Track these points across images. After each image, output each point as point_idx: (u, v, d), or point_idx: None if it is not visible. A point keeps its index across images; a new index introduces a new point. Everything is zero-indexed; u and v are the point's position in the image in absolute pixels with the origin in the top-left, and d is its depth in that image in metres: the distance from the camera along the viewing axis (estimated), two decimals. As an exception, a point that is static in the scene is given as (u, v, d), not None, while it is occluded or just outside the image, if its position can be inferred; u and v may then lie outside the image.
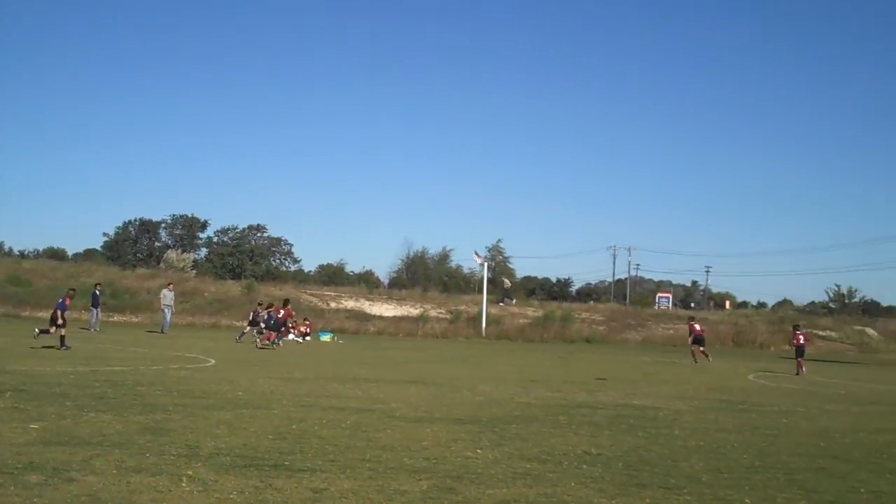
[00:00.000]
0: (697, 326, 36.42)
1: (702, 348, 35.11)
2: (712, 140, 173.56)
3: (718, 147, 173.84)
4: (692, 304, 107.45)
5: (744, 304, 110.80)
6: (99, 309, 41.27)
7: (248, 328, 36.00)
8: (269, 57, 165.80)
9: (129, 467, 7.31)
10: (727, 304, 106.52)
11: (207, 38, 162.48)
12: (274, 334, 32.92)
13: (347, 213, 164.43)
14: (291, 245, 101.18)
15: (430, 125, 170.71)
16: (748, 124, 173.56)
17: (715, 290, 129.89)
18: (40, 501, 6.00)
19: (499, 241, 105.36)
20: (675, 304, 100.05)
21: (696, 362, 33.53)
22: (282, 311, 34.11)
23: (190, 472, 7.23)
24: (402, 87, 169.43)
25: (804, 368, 30.47)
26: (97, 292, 41.77)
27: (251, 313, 37.43)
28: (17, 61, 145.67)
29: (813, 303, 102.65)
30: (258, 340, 32.02)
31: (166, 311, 41.30)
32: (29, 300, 52.80)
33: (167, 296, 41.88)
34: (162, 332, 39.80)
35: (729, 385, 22.27)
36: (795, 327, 36.52)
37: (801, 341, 33.42)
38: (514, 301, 67.05)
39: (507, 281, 74.95)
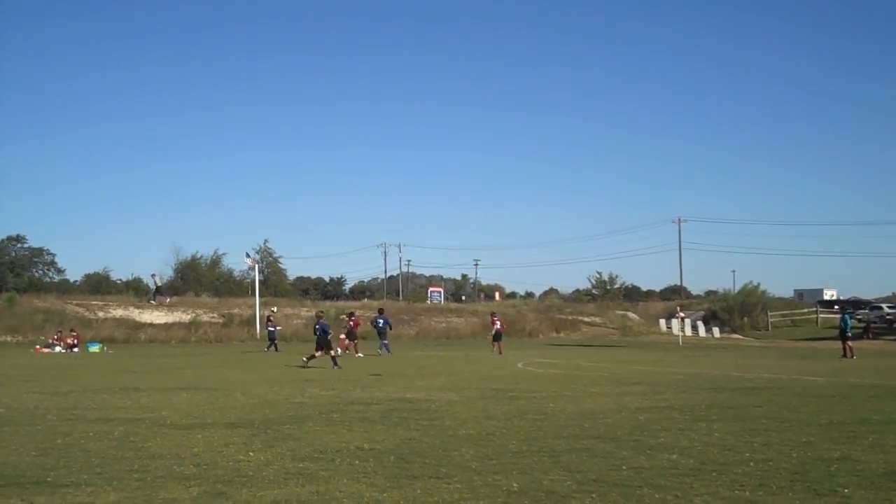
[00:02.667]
0: (498, 323, 37.48)
1: (497, 343, 36.11)
2: (475, 135, 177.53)
3: (479, 140, 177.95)
4: (463, 297, 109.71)
5: (512, 295, 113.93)
6: None
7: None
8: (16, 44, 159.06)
9: None
10: (497, 295, 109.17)
11: None
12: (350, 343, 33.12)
13: (111, 219, 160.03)
14: (54, 255, 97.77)
15: (192, 122, 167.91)
16: (504, 121, 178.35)
17: (485, 282, 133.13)
18: None
19: (266, 241, 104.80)
20: (447, 298, 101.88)
21: (500, 353, 34.48)
22: (351, 321, 34.34)
23: (-56, 497, 6.96)
24: (166, 82, 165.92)
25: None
26: None
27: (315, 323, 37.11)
28: None
29: (578, 290, 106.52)
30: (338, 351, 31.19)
31: None
32: None
33: None
34: None
35: (500, 374, 22.88)
36: (493, 314, 39.03)
37: (499, 326, 35.86)
38: (168, 300, 66.32)
39: (157, 278, 73.99)
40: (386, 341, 35.21)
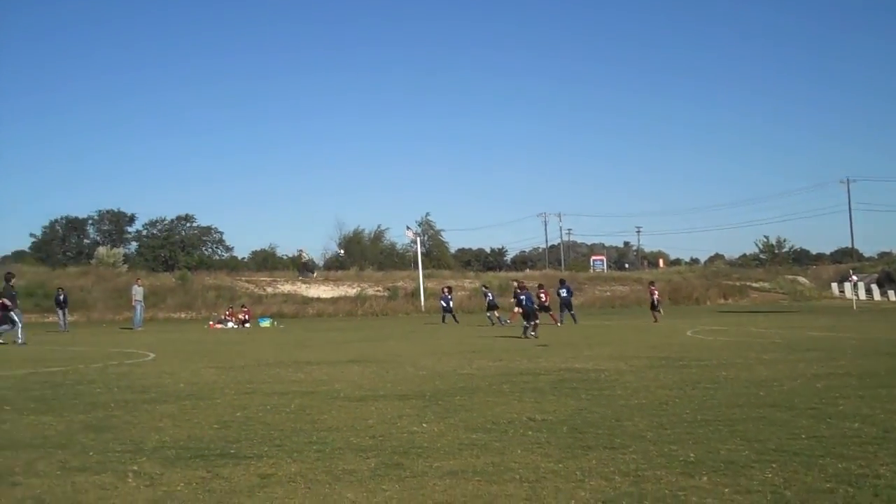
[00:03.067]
0: (655, 293, 37.18)
1: (655, 312, 35.87)
2: (633, 99, 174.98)
3: (638, 105, 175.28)
4: (626, 265, 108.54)
5: (677, 262, 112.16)
6: (66, 309, 41.62)
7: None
8: (187, 39, 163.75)
9: (74, 467, 7.24)
10: (661, 262, 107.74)
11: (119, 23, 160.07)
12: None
13: (275, 196, 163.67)
14: (222, 233, 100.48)
15: (352, 103, 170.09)
16: (665, 80, 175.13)
17: (648, 249, 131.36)
18: (-14, 508, 5.94)
19: (427, 214, 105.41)
20: (609, 266, 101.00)
21: (656, 322, 34.23)
22: (542, 295, 34.58)
23: (135, 468, 7.18)
24: (322, 66, 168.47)
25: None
26: (60, 295, 42.11)
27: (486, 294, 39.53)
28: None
29: (745, 255, 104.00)
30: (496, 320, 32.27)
31: (137, 306, 41.40)
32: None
33: (137, 291, 41.95)
34: (136, 327, 39.87)
35: (668, 342, 22.54)
36: (651, 283, 38.18)
37: (657, 296, 35.03)
38: (314, 275, 66.83)
39: (304, 255, 74.82)
40: (573, 311, 35.36)
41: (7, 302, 27.67)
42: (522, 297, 27.44)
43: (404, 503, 5.99)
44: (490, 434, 8.65)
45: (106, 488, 6.49)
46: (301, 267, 70.16)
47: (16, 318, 27.77)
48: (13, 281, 29.23)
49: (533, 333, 25.68)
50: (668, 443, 7.96)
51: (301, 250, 77.27)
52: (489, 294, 40.30)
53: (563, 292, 35.16)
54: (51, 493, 6.36)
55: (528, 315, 26.69)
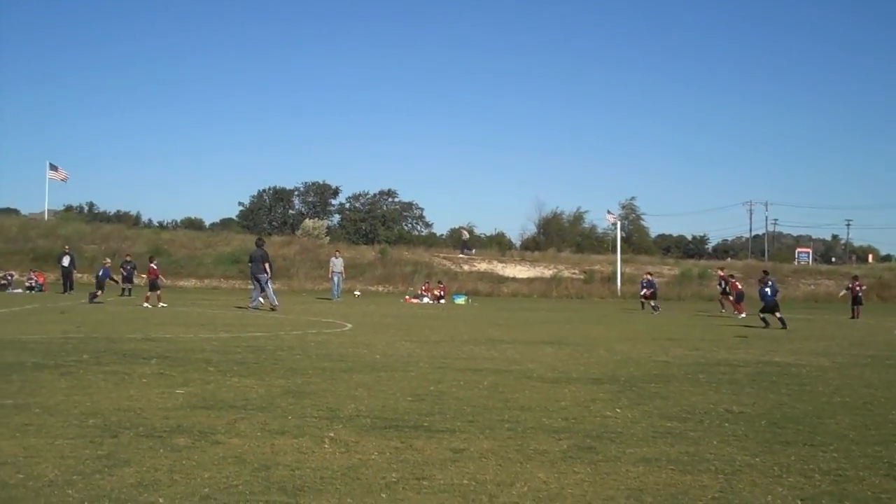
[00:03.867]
0: (859, 288, 35.96)
1: (856, 308, 34.64)
2: (852, 89, 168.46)
3: (859, 95, 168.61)
4: (833, 259, 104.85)
5: (888, 258, 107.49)
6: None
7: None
8: (386, 19, 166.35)
9: (273, 429, 7.44)
10: (870, 257, 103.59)
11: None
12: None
13: (476, 175, 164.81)
14: (423, 209, 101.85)
15: (557, 84, 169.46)
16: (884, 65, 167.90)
17: (857, 243, 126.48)
18: (189, 463, 6.14)
19: (632, 198, 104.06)
20: (815, 259, 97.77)
21: (856, 318, 33.14)
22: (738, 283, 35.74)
23: (331, 434, 7.32)
24: (528, 50, 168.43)
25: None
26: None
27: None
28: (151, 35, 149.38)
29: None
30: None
31: (335, 278, 42.43)
32: (169, 269, 54.25)
33: (336, 263, 42.96)
34: (334, 298, 40.99)
35: (874, 340, 21.65)
36: (855, 278, 36.78)
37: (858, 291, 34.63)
38: (472, 251, 66.23)
39: (465, 232, 74.23)
40: (780, 314, 34.63)
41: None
42: (769, 286, 27.72)
43: (596, 487, 5.91)
44: (685, 423, 8.47)
45: (303, 452, 6.64)
46: (462, 245, 70.79)
47: (262, 284, 29.07)
48: (264, 246, 30.50)
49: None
50: (873, 444, 7.63)
51: (462, 228, 77.91)
52: (647, 281, 39.96)
53: (768, 291, 33.73)
54: (251, 453, 6.55)
55: (770, 308, 26.81)
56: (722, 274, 39.25)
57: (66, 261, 42.43)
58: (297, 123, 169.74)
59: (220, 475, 5.85)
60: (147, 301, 30.38)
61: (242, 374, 11.14)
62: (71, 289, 41.43)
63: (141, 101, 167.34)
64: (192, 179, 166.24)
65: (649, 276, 41.20)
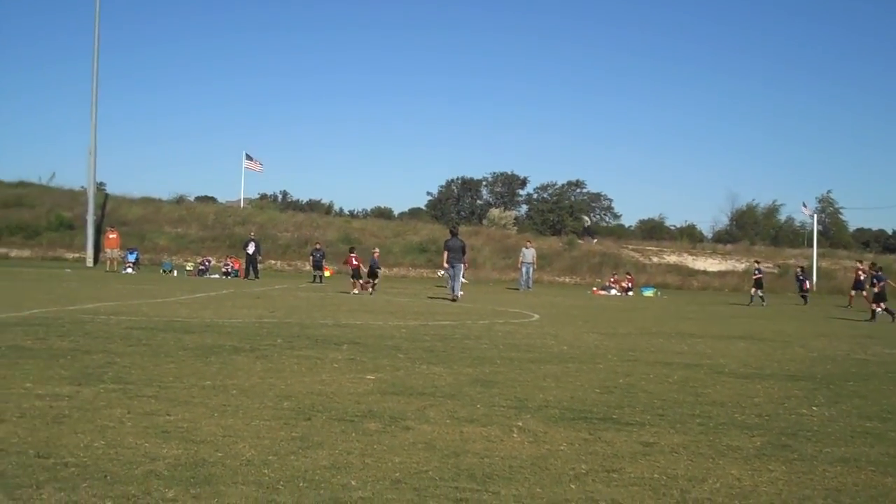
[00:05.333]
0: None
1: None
2: None
3: None
4: None
5: None
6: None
7: None
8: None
9: (462, 417, 7.47)
10: None
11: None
12: None
13: (667, 166, 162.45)
14: (611, 200, 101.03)
15: (759, 76, 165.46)
16: None
17: None
18: (379, 447, 6.21)
19: (828, 192, 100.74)
20: None
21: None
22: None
23: (520, 424, 7.31)
24: (726, 39, 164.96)
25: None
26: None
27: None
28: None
29: None
30: None
31: (523, 268, 42.63)
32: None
33: (526, 253, 43.17)
34: (521, 288, 41.24)
35: None
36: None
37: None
38: (594, 240, 64.53)
39: (586, 219, 72.40)
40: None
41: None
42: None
43: (791, 486, 5.71)
44: (886, 423, 8.11)
45: (492, 440, 6.64)
46: (583, 231, 70.20)
47: (457, 273, 29.36)
48: (458, 236, 30.80)
49: None
50: None
51: (585, 216, 77.44)
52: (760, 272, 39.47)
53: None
54: (441, 439, 6.58)
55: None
56: (861, 267, 37.59)
57: (251, 248, 43.79)
58: (486, 114, 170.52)
59: (411, 460, 5.90)
60: (355, 287, 31.48)
61: (431, 362, 11.24)
62: (256, 276, 42.72)
63: (333, 92, 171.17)
64: (383, 169, 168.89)
65: (757, 265, 40.91)
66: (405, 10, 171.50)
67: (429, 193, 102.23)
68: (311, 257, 44.59)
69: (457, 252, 29.58)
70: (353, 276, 32.56)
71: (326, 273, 44.40)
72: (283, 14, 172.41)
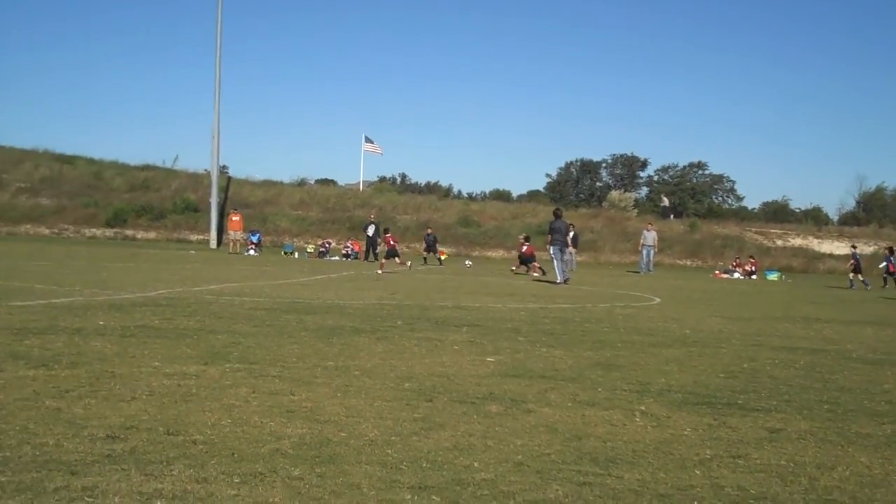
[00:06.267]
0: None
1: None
2: None
3: None
4: None
5: None
6: (573, 249, 43.46)
7: None
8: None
9: (583, 401, 7.42)
10: None
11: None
12: None
13: (792, 148, 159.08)
14: (734, 182, 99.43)
15: (872, 53, 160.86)
16: None
17: None
18: (501, 430, 6.20)
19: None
20: None
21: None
22: None
23: (642, 408, 7.22)
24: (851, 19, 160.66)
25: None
26: (571, 234, 44.06)
27: None
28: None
29: None
30: None
31: (644, 251, 42.39)
32: (478, 240, 55.48)
33: (647, 236, 42.91)
34: (642, 272, 41.01)
35: None
36: None
37: None
38: (671, 218, 63.09)
39: (664, 199, 70.54)
40: None
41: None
42: None
43: (926, 476, 5.54)
44: None
45: (614, 424, 6.58)
46: (662, 210, 69.08)
47: (568, 256, 29.14)
48: (562, 218, 30.59)
49: None
50: None
51: (664, 196, 76.24)
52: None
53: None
54: (562, 422, 6.55)
55: None
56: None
57: (370, 230, 44.29)
58: (606, 95, 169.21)
59: (533, 443, 5.87)
60: (382, 268, 31.49)
61: (551, 345, 11.19)
62: (376, 258, 43.18)
63: (452, 75, 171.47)
64: (502, 152, 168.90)
65: (854, 250, 39.92)
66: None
67: (547, 175, 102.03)
68: (424, 241, 44.97)
69: (561, 234, 29.29)
70: (387, 256, 33.25)
71: (442, 256, 44.71)
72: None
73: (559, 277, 27.98)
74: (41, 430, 5.58)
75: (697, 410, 7.24)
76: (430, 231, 45.83)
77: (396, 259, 32.69)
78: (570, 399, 7.47)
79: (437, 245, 44.24)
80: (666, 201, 75.32)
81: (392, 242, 33.12)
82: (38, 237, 53.87)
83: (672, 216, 68.14)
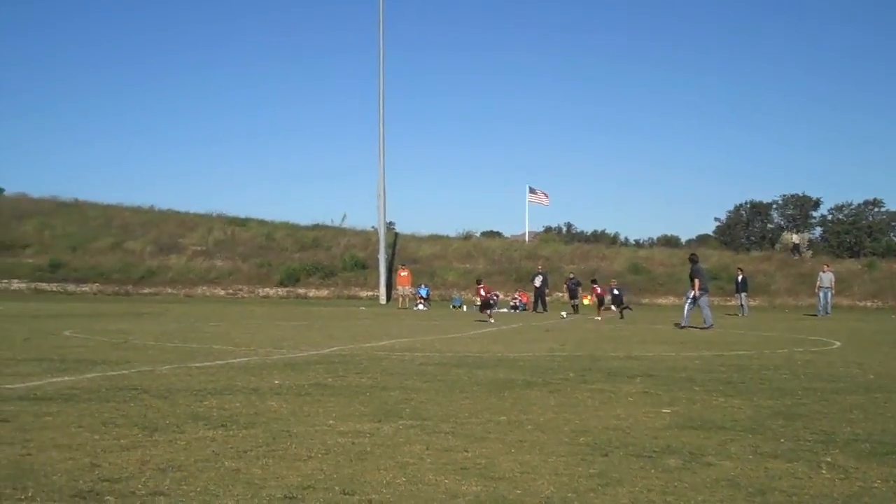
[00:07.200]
0: None
1: None
2: None
3: None
4: None
5: None
6: (745, 293, 42.57)
7: None
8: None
9: (765, 452, 7.16)
10: None
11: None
12: None
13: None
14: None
15: None
16: None
17: None
18: (681, 485, 6.03)
19: None
20: None
21: None
22: None
23: (828, 459, 6.93)
24: None
25: None
26: (740, 277, 43.22)
27: None
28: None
29: None
30: None
31: (821, 293, 41.50)
32: (648, 287, 54.89)
33: (823, 278, 42.03)
34: (819, 314, 40.10)
35: None
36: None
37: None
38: (798, 256, 59.53)
39: (794, 237, 66.86)
40: None
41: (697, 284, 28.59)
42: None
43: None
44: None
45: (799, 477, 6.33)
46: (792, 249, 66.33)
47: (700, 301, 28.57)
48: (699, 262, 30.12)
49: None
50: None
51: (794, 234, 73.23)
52: None
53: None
54: (744, 476, 6.33)
55: None
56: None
57: (538, 281, 44.30)
58: (774, 135, 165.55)
59: (714, 498, 5.69)
60: (491, 317, 31.87)
61: (728, 394, 10.89)
62: (544, 308, 43.04)
63: (613, 124, 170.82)
64: (668, 197, 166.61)
65: None
66: (679, 34, 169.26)
67: (716, 219, 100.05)
68: (565, 287, 44.76)
69: (702, 278, 28.91)
70: (481, 307, 33.06)
71: (585, 301, 44.45)
72: (559, 46, 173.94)
73: (709, 321, 27.49)
74: (221, 491, 5.68)
75: (887, 461, 6.91)
76: (572, 276, 45.58)
77: (488, 311, 32.29)
78: (751, 451, 7.23)
79: (580, 290, 43.81)
80: (796, 239, 72.96)
81: (484, 293, 32.93)
82: (213, 298, 55.57)
83: (798, 255, 65.92)
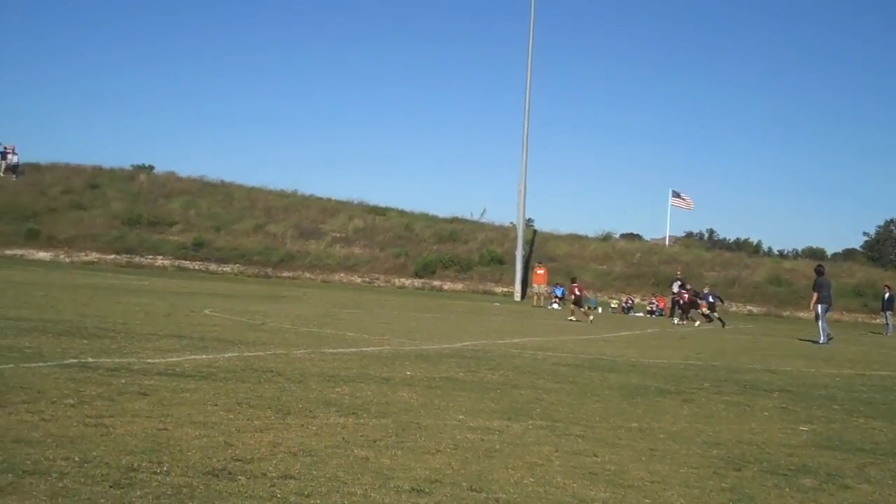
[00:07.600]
0: None
1: None
2: None
3: None
4: None
5: None
6: (890, 312, 41.33)
7: None
8: None
9: (903, 478, 6.93)
10: None
11: None
12: None
13: None
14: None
15: None
16: None
17: None
18: (817, 507, 5.88)
19: None
20: None
21: None
22: None
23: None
24: None
25: None
26: (886, 295, 42.01)
27: None
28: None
29: None
30: None
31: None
32: (789, 300, 53.64)
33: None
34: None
35: None
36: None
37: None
38: None
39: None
40: None
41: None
42: None
43: None
44: None
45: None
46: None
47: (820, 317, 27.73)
48: (825, 275, 29.24)
49: None
50: None
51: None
52: None
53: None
54: (883, 501, 6.14)
55: None
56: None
57: (675, 286, 43.57)
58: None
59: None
60: (573, 315, 32.34)
61: (870, 415, 10.57)
62: (685, 316, 42.37)
63: (760, 131, 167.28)
64: (816, 208, 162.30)
65: None
66: (847, 41, 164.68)
67: (865, 234, 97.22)
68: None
69: (826, 291, 28.04)
70: (574, 304, 33.37)
71: (703, 310, 43.56)
72: (711, 48, 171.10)
73: (822, 337, 26.59)
74: (350, 478, 5.73)
75: None
76: (686, 285, 44.65)
77: (582, 309, 32.43)
78: (891, 476, 7.00)
79: (722, 300, 42.80)
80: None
81: (577, 292, 33.02)
82: (350, 285, 56.24)
83: None
